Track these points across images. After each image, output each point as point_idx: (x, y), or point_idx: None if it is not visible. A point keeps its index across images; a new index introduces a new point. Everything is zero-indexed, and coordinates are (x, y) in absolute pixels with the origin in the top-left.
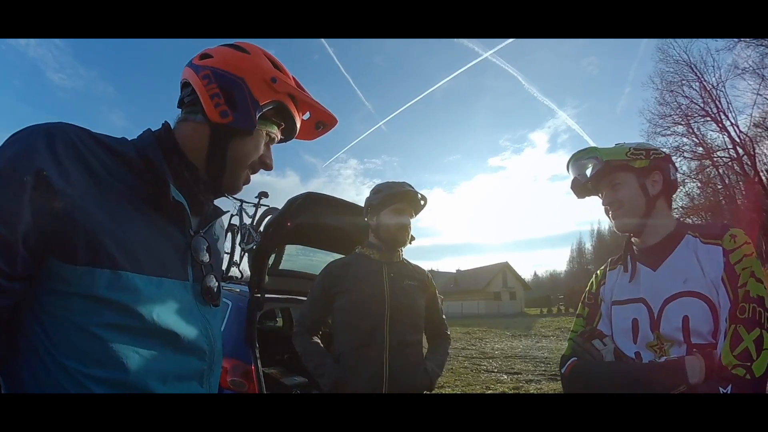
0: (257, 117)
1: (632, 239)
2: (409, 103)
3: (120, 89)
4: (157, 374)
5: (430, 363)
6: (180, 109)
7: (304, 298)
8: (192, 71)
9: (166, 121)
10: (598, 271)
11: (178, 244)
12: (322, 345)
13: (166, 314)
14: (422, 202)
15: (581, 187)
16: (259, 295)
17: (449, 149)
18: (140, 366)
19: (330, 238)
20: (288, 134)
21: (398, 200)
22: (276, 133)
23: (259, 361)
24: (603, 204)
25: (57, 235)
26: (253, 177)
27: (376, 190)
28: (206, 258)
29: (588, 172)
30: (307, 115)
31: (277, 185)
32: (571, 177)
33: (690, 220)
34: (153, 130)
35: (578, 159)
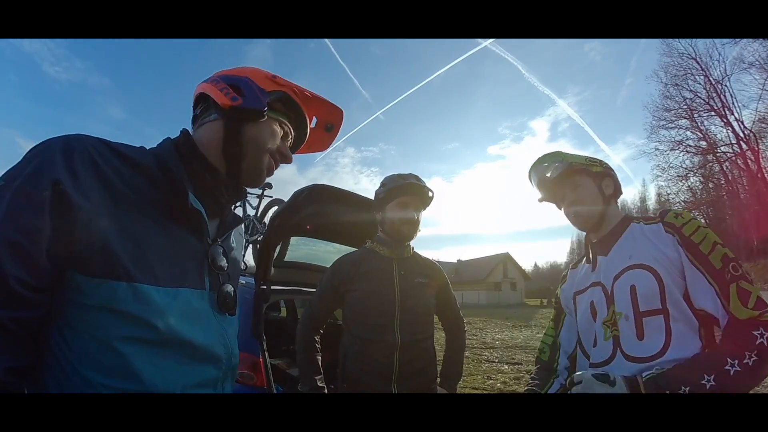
0: (266, 101)
1: (590, 235)
2: (407, 92)
3: (116, 81)
4: (175, 385)
5: (444, 389)
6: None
7: (309, 289)
8: (203, 83)
9: (184, 128)
10: (563, 275)
11: (196, 253)
12: (320, 348)
13: (183, 325)
14: (429, 194)
15: (547, 187)
16: (265, 287)
17: (448, 137)
18: (158, 377)
19: (337, 229)
20: (299, 130)
21: (402, 193)
22: (288, 125)
23: (266, 353)
24: (566, 203)
25: (75, 247)
26: None
27: (382, 184)
28: (224, 266)
29: (555, 172)
30: (314, 123)
31: (275, 174)
32: (535, 179)
33: (691, 216)
34: (172, 138)
35: (545, 161)
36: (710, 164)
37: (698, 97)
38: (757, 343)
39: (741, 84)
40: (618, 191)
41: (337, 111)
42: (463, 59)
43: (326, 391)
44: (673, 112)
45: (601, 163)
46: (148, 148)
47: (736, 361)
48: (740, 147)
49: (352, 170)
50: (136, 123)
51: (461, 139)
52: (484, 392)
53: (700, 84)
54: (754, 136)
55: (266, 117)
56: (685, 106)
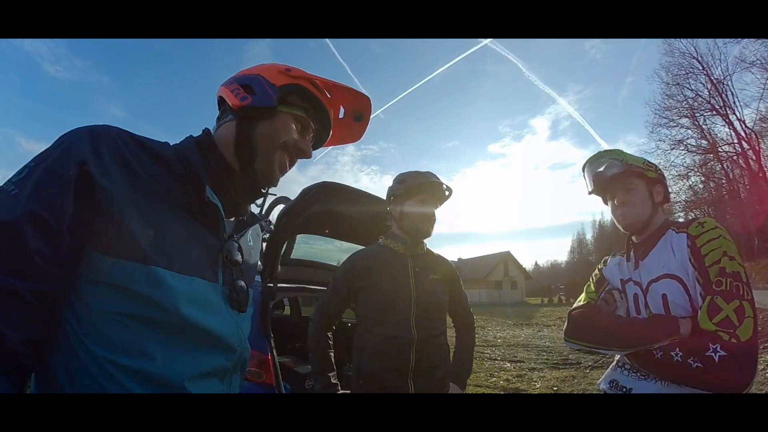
0: (276, 97)
1: (632, 237)
2: (407, 90)
3: (116, 79)
4: (183, 368)
5: (456, 384)
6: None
7: (313, 287)
8: (222, 85)
9: (206, 128)
10: (604, 258)
11: (211, 247)
12: (332, 346)
13: (195, 311)
14: (447, 193)
15: (601, 182)
16: (271, 285)
17: (448, 135)
18: (166, 359)
19: (344, 227)
20: (321, 123)
21: (422, 191)
22: (305, 117)
23: (274, 351)
24: (615, 202)
25: (94, 226)
26: None
27: (400, 180)
28: (238, 263)
29: (612, 169)
30: (342, 113)
31: None
32: (590, 172)
33: (692, 214)
34: (194, 136)
35: (603, 157)
36: (711, 163)
37: (699, 96)
38: (707, 354)
39: (742, 83)
40: (666, 199)
41: (364, 98)
42: (463, 57)
43: (339, 387)
44: (674, 110)
45: (656, 168)
46: (171, 144)
47: (681, 352)
48: (741, 146)
49: (352, 168)
50: (136, 121)
51: (461, 137)
52: (487, 389)
53: (701, 83)
54: (756, 135)
55: (277, 113)
56: (686, 105)
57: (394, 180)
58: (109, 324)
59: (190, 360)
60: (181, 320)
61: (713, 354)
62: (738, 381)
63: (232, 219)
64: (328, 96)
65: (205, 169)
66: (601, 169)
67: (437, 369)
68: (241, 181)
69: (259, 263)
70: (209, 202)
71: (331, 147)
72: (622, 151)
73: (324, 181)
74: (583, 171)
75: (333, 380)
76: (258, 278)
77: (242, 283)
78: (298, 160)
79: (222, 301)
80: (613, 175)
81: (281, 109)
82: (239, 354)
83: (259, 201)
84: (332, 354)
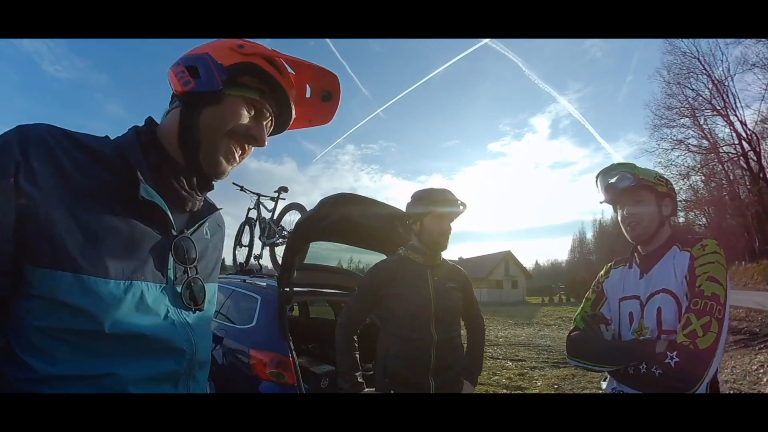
0: (224, 78)
1: (638, 247)
2: (407, 89)
3: (116, 78)
4: (126, 374)
5: (468, 381)
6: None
7: (324, 290)
8: (170, 67)
9: (149, 117)
10: (607, 266)
11: (157, 245)
12: (357, 348)
13: (134, 318)
14: (462, 208)
15: (612, 194)
16: (287, 290)
17: (448, 134)
18: (106, 367)
19: (360, 235)
20: (281, 105)
21: (440, 207)
22: (259, 100)
23: (294, 352)
24: (625, 213)
25: (22, 235)
26: (250, 164)
27: (418, 197)
28: (192, 259)
29: (624, 182)
30: (308, 94)
31: (275, 172)
32: (603, 183)
33: (693, 214)
34: (138, 126)
35: (616, 169)
36: (712, 163)
37: (700, 96)
38: (665, 361)
39: (744, 84)
40: (674, 213)
41: (331, 76)
42: (463, 56)
43: (366, 386)
44: (675, 110)
45: (667, 183)
46: (113, 138)
47: (646, 365)
48: (742, 147)
49: (352, 167)
50: (135, 120)
51: (462, 136)
52: (490, 388)
53: (702, 83)
54: (756, 136)
55: (225, 96)
56: (687, 105)
57: (412, 197)
58: (43, 338)
59: (134, 367)
60: (117, 329)
61: (670, 360)
62: (686, 379)
63: (186, 213)
64: (292, 73)
65: (145, 162)
66: (613, 180)
67: (454, 367)
68: (183, 172)
69: (274, 269)
70: (144, 200)
71: (331, 147)
72: (634, 165)
73: (342, 192)
74: (596, 180)
75: (359, 379)
76: (273, 283)
77: (197, 280)
78: (298, 161)
79: (169, 302)
80: (623, 187)
81: (229, 92)
82: (190, 356)
83: (271, 206)
84: (358, 355)
